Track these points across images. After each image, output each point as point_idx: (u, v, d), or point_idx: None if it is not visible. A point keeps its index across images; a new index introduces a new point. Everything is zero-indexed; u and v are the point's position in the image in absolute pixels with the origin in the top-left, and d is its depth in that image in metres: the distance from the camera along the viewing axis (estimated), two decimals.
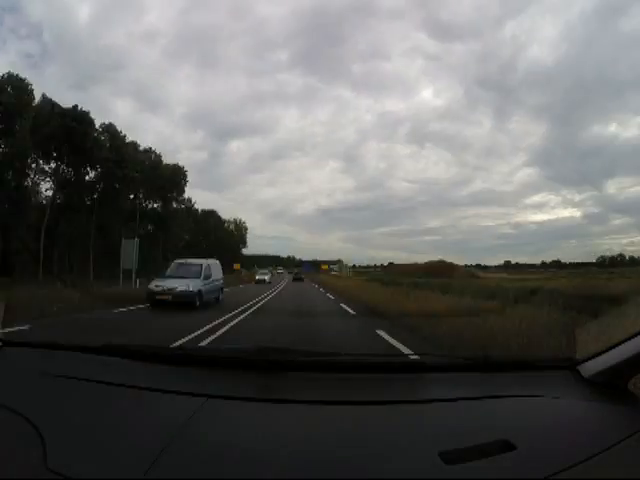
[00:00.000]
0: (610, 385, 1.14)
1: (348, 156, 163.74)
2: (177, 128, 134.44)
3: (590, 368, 1.20)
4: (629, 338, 1.10)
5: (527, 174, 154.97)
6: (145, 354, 1.36)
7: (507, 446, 0.84)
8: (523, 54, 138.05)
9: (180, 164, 46.06)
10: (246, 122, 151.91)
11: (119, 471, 0.74)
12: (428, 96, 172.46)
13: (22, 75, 30.96)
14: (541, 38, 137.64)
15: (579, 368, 1.25)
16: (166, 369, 1.28)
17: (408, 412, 1.05)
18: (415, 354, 1.37)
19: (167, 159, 45.16)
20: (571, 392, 1.16)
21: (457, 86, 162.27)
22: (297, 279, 47.86)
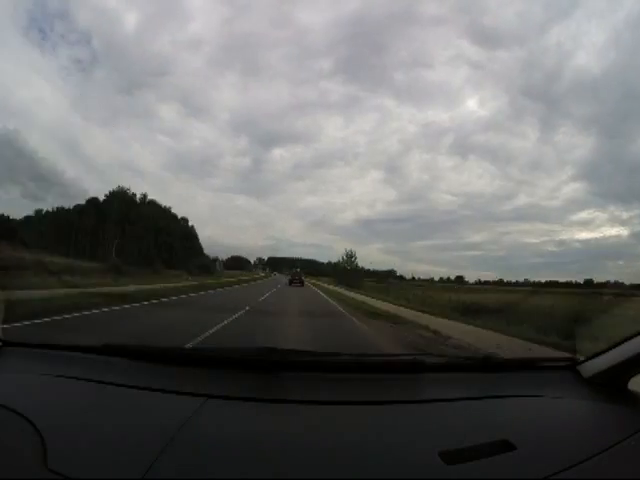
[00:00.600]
0: (610, 385, 1.14)
1: (390, 167, 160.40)
2: (221, 134, 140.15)
3: (590, 368, 1.20)
4: (629, 338, 1.10)
5: (573, 189, 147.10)
6: (145, 354, 1.36)
7: (507, 446, 0.84)
8: (569, 62, 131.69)
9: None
10: (289, 130, 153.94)
11: (119, 471, 0.74)
12: (472, 106, 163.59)
13: None
14: (587, 45, 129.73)
15: (579, 368, 1.25)
16: (166, 369, 1.28)
17: (408, 412, 1.05)
18: (415, 354, 1.36)
19: None
20: (571, 392, 1.16)
21: (502, 96, 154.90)
22: (294, 282, 34.54)
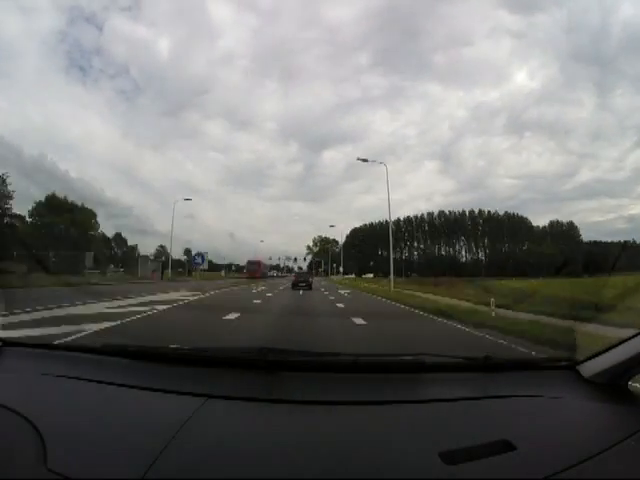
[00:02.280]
0: (610, 385, 1.13)
1: (444, 156, 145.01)
2: (271, 144, 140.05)
3: (590, 368, 1.20)
4: (629, 338, 1.10)
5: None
6: (145, 354, 1.36)
7: (507, 446, 0.84)
8: (614, 17, 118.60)
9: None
10: (336, 131, 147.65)
11: (119, 471, 0.74)
12: (521, 79, 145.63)
13: None
14: None
15: (579, 368, 1.25)
16: (166, 369, 1.28)
17: (408, 412, 1.05)
18: (415, 354, 1.36)
19: None
20: (571, 392, 1.16)
21: (550, 64, 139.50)
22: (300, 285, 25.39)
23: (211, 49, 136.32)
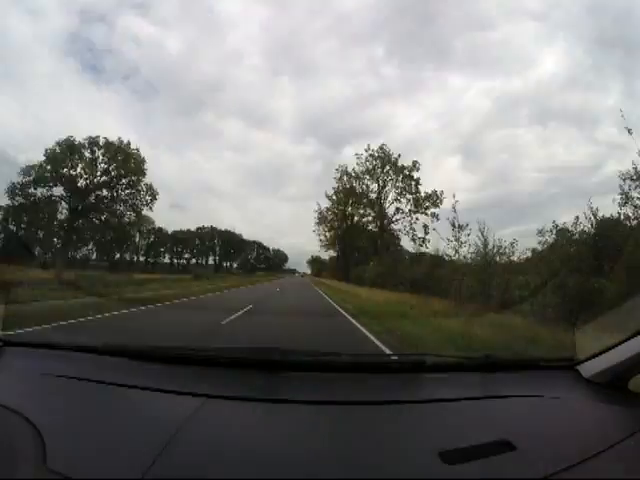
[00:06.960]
0: (610, 385, 1.13)
1: (466, 150, 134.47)
2: (288, 141, 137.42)
3: (590, 368, 1.20)
4: (629, 338, 1.10)
5: None
6: (145, 354, 1.36)
7: (507, 446, 0.84)
8: None
9: None
10: (354, 125, 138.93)
11: (119, 471, 0.74)
12: (545, 65, 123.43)
13: None
14: None
15: (579, 368, 1.24)
16: (166, 369, 1.28)
17: (408, 412, 1.05)
18: (415, 354, 1.36)
19: None
20: (571, 392, 1.16)
21: (574, 48, 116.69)
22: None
23: (221, 47, 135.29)
